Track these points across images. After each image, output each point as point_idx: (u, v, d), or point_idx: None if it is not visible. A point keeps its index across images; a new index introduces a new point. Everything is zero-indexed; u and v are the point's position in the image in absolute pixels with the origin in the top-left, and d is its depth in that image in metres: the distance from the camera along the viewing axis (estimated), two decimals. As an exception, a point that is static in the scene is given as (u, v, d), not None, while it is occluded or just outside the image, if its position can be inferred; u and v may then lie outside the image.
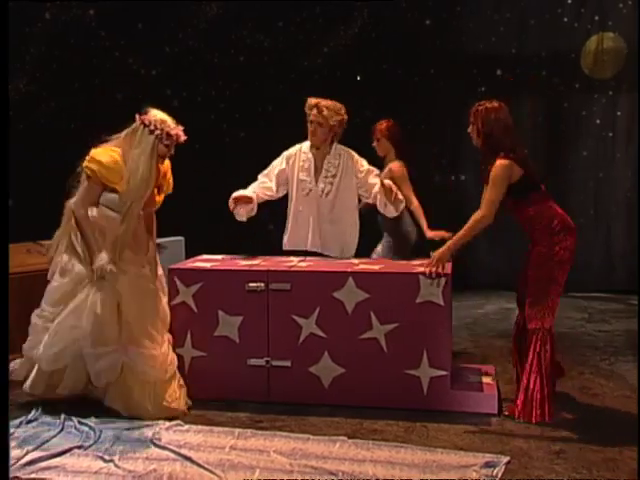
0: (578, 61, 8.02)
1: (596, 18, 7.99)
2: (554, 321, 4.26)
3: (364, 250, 5.19)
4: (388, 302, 4.33)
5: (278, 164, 5.02)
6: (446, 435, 4.01)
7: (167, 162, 4.45)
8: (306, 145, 4.99)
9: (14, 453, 3.74)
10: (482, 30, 8.22)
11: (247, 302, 4.49)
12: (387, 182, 4.71)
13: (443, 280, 4.27)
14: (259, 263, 4.75)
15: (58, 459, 3.73)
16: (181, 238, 6.67)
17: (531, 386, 4.19)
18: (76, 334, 4.18)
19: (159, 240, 4.91)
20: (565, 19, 8.06)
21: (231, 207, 4.85)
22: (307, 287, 4.44)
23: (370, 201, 4.92)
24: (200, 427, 4.11)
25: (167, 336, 4.43)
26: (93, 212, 4.29)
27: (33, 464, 3.66)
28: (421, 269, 4.37)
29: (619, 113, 8.03)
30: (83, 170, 4.24)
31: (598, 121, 8.10)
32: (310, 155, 4.95)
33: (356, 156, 4.97)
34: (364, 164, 4.93)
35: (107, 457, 3.73)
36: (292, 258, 4.92)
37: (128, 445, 3.86)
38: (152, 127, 4.19)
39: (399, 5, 8.20)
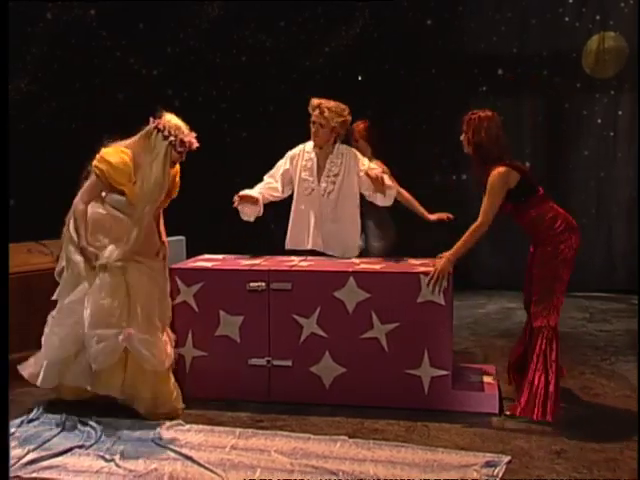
0: (579, 60, 8.01)
1: (597, 17, 7.98)
2: (559, 319, 4.28)
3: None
4: (389, 302, 4.33)
5: (282, 164, 5.04)
6: (447, 435, 4.01)
7: (177, 166, 4.44)
8: (309, 145, 5.00)
9: (15, 452, 3.75)
10: (483, 30, 8.22)
11: (248, 302, 4.50)
12: (373, 172, 4.73)
13: (444, 280, 4.27)
14: (260, 263, 4.75)
15: (59, 458, 3.73)
16: (182, 238, 6.67)
17: (535, 383, 4.19)
18: (77, 317, 4.14)
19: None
20: (566, 18, 8.05)
21: (235, 203, 4.85)
22: (308, 287, 4.44)
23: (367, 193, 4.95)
24: (201, 427, 4.11)
25: (167, 331, 4.41)
26: (100, 210, 4.27)
27: (34, 463, 3.66)
28: (422, 269, 4.37)
29: (620, 112, 8.03)
30: (93, 167, 4.20)
31: (599, 121, 8.09)
32: (313, 155, 4.96)
33: (359, 155, 4.97)
34: (365, 163, 4.94)
35: (108, 456, 3.73)
36: (293, 258, 4.93)
37: (129, 444, 3.86)
38: (166, 133, 4.15)
39: (400, 5, 8.20)
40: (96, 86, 7.29)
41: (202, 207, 7.30)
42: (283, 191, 5.02)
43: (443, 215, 5.03)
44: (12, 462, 3.61)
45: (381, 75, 8.25)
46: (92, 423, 4.11)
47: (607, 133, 8.10)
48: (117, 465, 3.64)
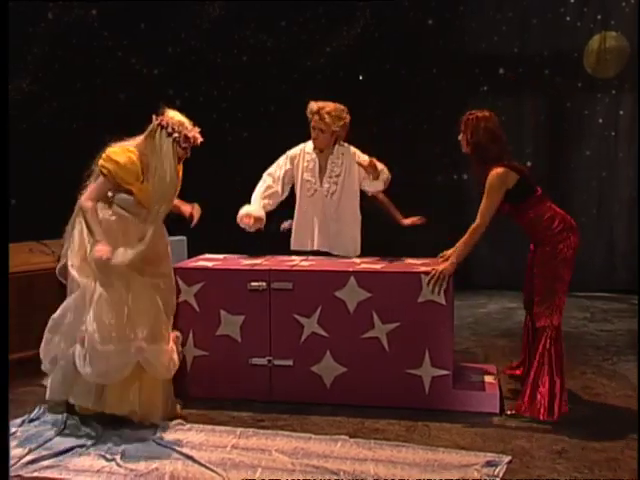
0: (581, 60, 8.00)
1: (599, 17, 7.97)
2: (562, 319, 4.28)
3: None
4: (390, 301, 4.33)
5: (283, 164, 5.02)
6: (448, 434, 4.01)
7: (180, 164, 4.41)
8: (309, 145, 5.00)
9: (16, 452, 3.75)
10: (484, 29, 8.21)
11: (249, 301, 4.50)
12: (364, 160, 4.74)
13: (445, 281, 4.27)
14: (261, 262, 4.76)
15: (60, 458, 3.74)
16: (183, 237, 6.67)
17: (538, 382, 4.19)
18: (78, 332, 4.01)
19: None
20: (568, 18, 8.04)
21: (249, 227, 4.88)
22: (309, 286, 4.44)
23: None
24: (202, 426, 4.11)
25: (174, 335, 4.35)
26: (108, 216, 4.17)
27: (35, 463, 3.67)
28: (423, 268, 4.38)
29: (622, 112, 8.02)
30: (98, 168, 4.12)
31: (601, 120, 8.09)
32: (314, 156, 4.96)
33: (358, 152, 4.97)
34: (362, 156, 4.92)
35: (109, 456, 3.73)
36: (294, 257, 4.93)
37: (130, 444, 3.86)
38: (170, 130, 4.11)
39: (401, 5, 8.20)
40: (97, 86, 7.31)
41: (203, 207, 7.29)
42: (283, 193, 5.02)
43: (416, 219, 5.01)
44: (13, 461, 3.61)
45: (382, 75, 8.25)
46: (93, 422, 4.10)
47: (608, 133, 8.09)
48: (118, 465, 3.64)
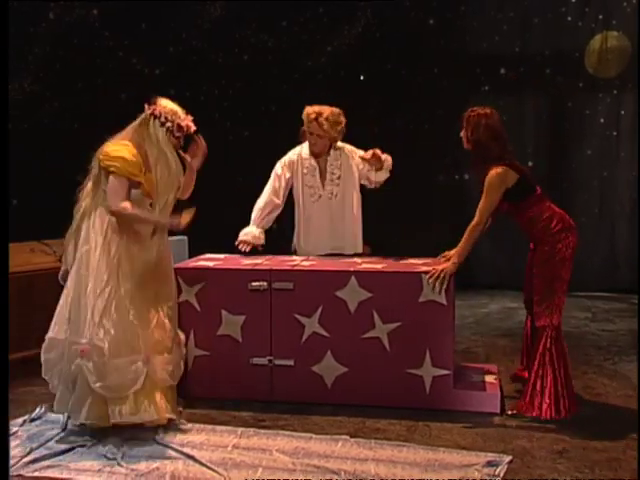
0: (582, 60, 8.00)
1: (600, 17, 7.97)
2: (562, 318, 4.28)
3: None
4: (391, 301, 4.33)
5: (282, 174, 4.99)
6: (448, 434, 4.01)
7: None
8: (305, 151, 4.99)
9: (17, 451, 3.75)
10: (486, 29, 8.21)
11: (250, 301, 4.50)
12: (366, 154, 4.73)
13: (445, 281, 4.27)
14: (262, 262, 4.75)
15: (61, 457, 3.74)
16: (184, 237, 6.67)
17: (539, 382, 4.19)
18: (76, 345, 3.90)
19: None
20: (569, 18, 8.04)
21: (240, 246, 4.94)
22: (310, 286, 4.44)
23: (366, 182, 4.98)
24: (203, 426, 4.11)
25: (178, 338, 4.32)
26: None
27: (36, 462, 3.67)
28: (424, 268, 4.37)
29: (623, 112, 8.01)
30: (102, 168, 4.04)
31: (602, 120, 8.08)
32: (313, 161, 4.96)
33: (354, 149, 4.97)
34: (359, 152, 4.92)
35: (110, 455, 3.73)
36: (295, 257, 4.93)
37: (131, 444, 3.86)
38: (163, 119, 4.08)
39: (403, 5, 8.20)
40: (98, 86, 7.31)
41: (204, 206, 7.29)
42: (283, 203, 5.04)
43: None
44: (14, 461, 3.62)
45: (383, 75, 8.25)
46: (94, 422, 4.10)
47: (610, 133, 8.09)
48: (119, 464, 3.64)
